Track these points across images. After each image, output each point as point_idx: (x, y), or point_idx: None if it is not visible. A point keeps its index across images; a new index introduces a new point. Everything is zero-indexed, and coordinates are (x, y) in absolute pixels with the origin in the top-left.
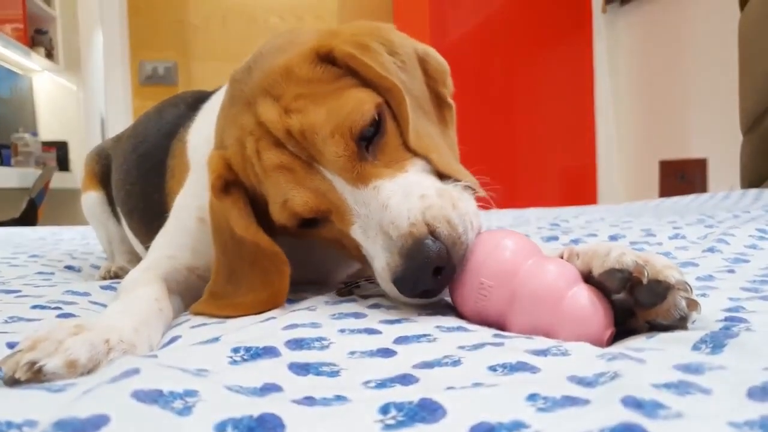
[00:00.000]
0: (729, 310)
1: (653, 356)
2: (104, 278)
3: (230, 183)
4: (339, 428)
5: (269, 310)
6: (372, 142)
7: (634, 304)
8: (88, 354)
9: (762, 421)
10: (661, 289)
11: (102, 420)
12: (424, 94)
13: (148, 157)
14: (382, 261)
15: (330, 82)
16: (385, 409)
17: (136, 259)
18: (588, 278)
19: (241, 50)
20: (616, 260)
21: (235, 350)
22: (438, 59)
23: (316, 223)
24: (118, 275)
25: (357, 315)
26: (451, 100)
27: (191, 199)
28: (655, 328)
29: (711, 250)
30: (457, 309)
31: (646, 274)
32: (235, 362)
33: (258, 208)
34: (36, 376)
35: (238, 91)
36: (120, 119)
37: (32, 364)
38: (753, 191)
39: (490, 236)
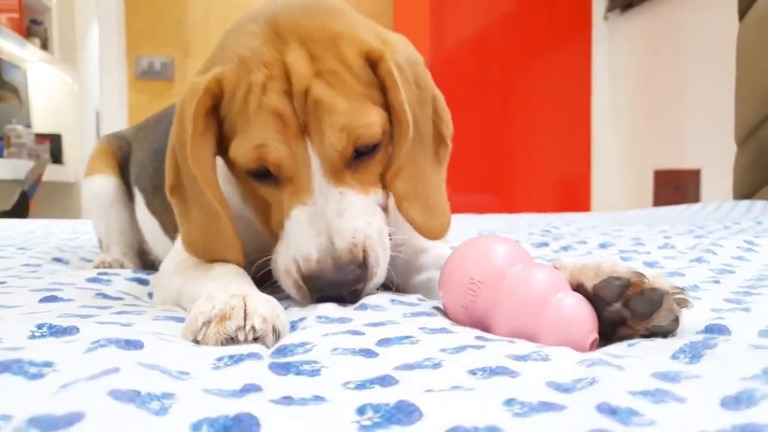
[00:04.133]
0: (711, 320)
1: (632, 363)
2: (98, 268)
3: (208, 111)
4: (315, 428)
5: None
6: (360, 158)
7: (631, 316)
8: (268, 314)
9: (733, 430)
10: (657, 297)
11: (76, 417)
12: (429, 131)
13: None
14: (303, 252)
15: (363, 85)
16: (361, 410)
17: (132, 252)
18: (578, 291)
19: None
20: (611, 270)
21: (219, 359)
22: (445, 103)
23: (265, 180)
24: (112, 266)
25: (342, 320)
26: (449, 141)
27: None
28: (652, 335)
29: (699, 260)
30: (444, 305)
31: (645, 281)
32: (217, 367)
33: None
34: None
35: (271, 17)
36: (115, 113)
37: (253, 328)
38: (745, 202)
39: (483, 240)
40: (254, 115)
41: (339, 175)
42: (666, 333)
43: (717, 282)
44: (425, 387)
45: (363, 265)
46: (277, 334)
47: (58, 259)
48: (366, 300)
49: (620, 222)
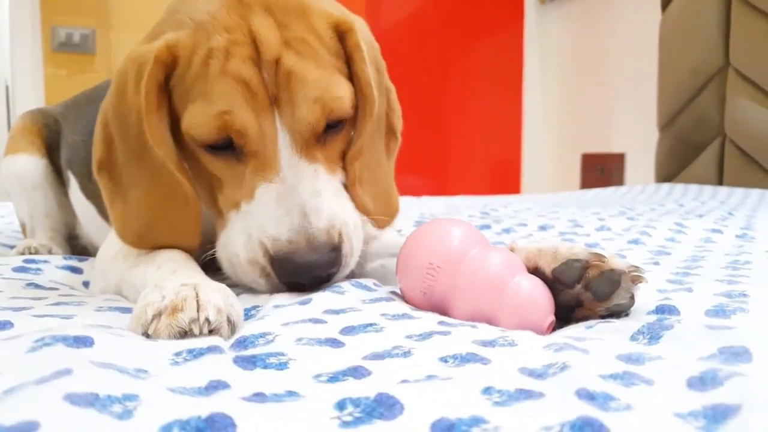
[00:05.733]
0: (659, 301)
1: (595, 346)
2: (22, 254)
3: (161, 83)
4: (294, 426)
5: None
6: (327, 134)
7: (592, 297)
8: (222, 304)
9: (704, 411)
10: (616, 277)
11: (30, 426)
12: (382, 121)
13: None
14: (271, 232)
15: (332, 56)
16: (341, 405)
17: (60, 237)
18: (536, 275)
19: None
20: (569, 252)
21: (177, 353)
22: (396, 97)
23: (222, 153)
24: (38, 252)
25: (302, 303)
26: (399, 135)
27: None
28: (610, 314)
29: (635, 242)
30: (402, 290)
31: (605, 261)
32: (176, 363)
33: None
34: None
35: None
36: (29, 88)
37: (207, 320)
38: (666, 185)
39: (439, 223)
40: (216, 80)
41: (310, 151)
42: (622, 311)
43: (657, 263)
44: (400, 378)
45: (337, 251)
46: (232, 325)
47: None
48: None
49: (554, 204)
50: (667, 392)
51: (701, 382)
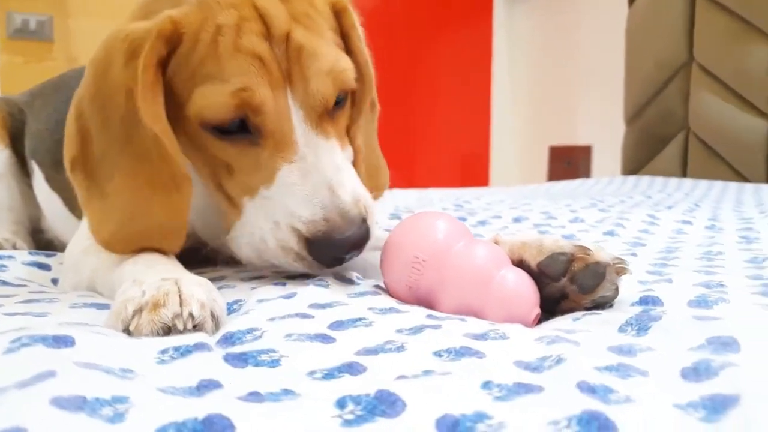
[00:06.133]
0: (642, 292)
1: (585, 338)
2: None
3: (160, 61)
4: (294, 426)
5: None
6: (334, 109)
7: (577, 290)
8: (205, 299)
9: (702, 402)
10: (601, 269)
11: None
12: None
13: None
14: (305, 214)
15: (333, 32)
16: (341, 403)
17: (24, 231)
18: (520, 267)
19: (127, 6)
20: (554, 245)
21: (163, 351)
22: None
23: (235, 138)
24: (2, 246)
25: (287, 297)
26: (377, 103)
27: None
28: (595, 306)
29: (611, 233)
30: (387, 284)
31: (590, 254)
32: (162, 362)
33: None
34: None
35: None
36: None
37: (191, 316)
38: (632, 178)
39: (424, 216)
40: (230, 58)
41: (323, 126)
42: (607, 303)
43: (634, 255)
44: (396, 373)
45: (365, 223)
46: (216, 320)
47: None
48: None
49: (524, 196)
50: (662, 383)
51: (695, 372)
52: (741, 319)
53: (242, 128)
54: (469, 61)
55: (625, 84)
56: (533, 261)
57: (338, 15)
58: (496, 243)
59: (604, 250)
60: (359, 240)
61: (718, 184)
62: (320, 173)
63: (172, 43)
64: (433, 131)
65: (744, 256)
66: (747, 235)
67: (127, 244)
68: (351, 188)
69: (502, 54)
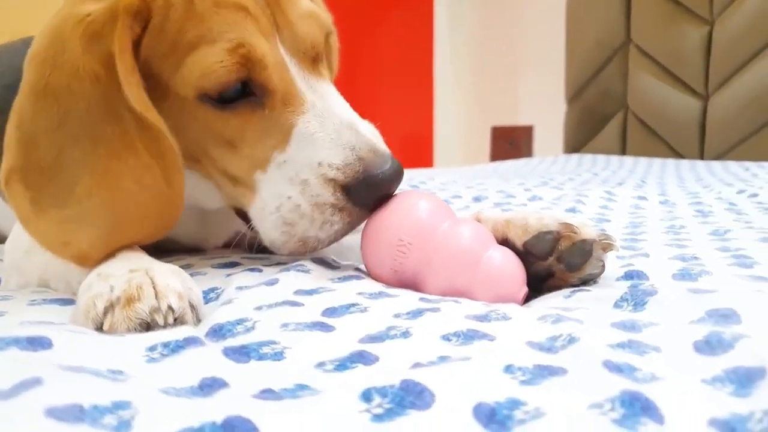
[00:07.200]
0: (624, 268)
1: (585, 316)
2: None
3: (134, 42)
4: (322, 423)
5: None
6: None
7: (565, 268)
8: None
9: (727, 375)
10: (588, 247)
11: None
12: None
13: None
14: (338, 158)
15: None
16: (366, 396)
17: None
18: (505, 246)
19: None
20: (539, 224)
21: (151, 348)
22: None
23: (236, 105)
24: None
25: (268, 282)
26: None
27: None
28: (583, 283)
29: (572, 210)
30: (370, 268)
31: (576, 231)
32: (153, 360)
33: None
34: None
35: None
36: None
37: (171, 308)
38: (575, 156)
39: (406, 196)
40: (213, 15)
41: (318, 70)
42: (592, 279)
43: (603, 231)
44: (411, 361)
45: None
46: (195, 311)
47: None
48: (285, 259)
49: (474, 176)
50: (680, 359)
51: (708, 346)
52: (733, 291)
53: (242, 93)
54: (411, 43)
55: (566, 64)
56: (519, 241)
57: None
58: (479, 221)
59: (588, 227)
60: (398, 173)
61: (657, 161)
62: (336, 115)
63: (142, 17)
64: (376, 113)
65: (705, 229)
66: (701, 209)
67: (114, 245)
68: (365, 125)
69: (443, 35)
